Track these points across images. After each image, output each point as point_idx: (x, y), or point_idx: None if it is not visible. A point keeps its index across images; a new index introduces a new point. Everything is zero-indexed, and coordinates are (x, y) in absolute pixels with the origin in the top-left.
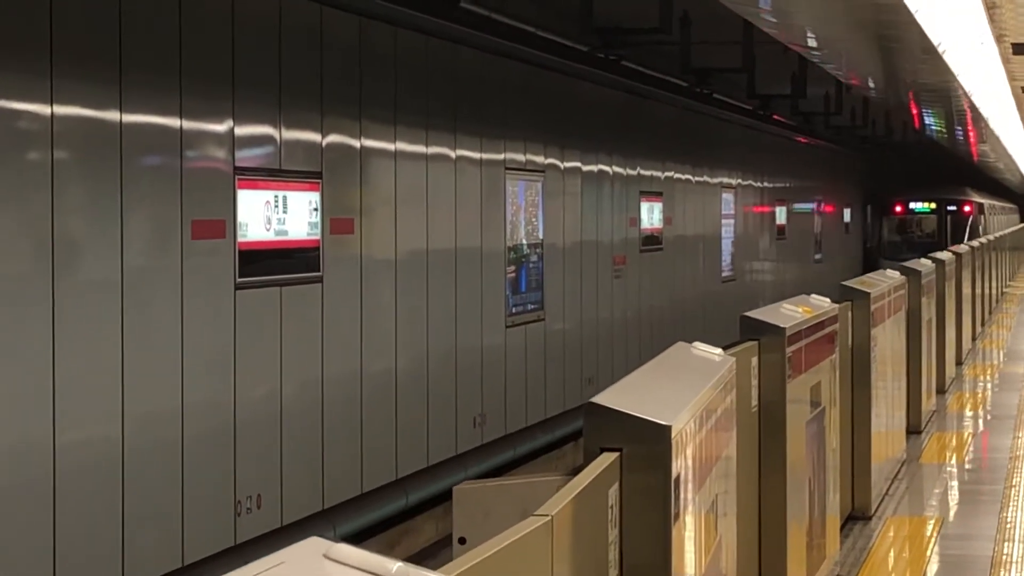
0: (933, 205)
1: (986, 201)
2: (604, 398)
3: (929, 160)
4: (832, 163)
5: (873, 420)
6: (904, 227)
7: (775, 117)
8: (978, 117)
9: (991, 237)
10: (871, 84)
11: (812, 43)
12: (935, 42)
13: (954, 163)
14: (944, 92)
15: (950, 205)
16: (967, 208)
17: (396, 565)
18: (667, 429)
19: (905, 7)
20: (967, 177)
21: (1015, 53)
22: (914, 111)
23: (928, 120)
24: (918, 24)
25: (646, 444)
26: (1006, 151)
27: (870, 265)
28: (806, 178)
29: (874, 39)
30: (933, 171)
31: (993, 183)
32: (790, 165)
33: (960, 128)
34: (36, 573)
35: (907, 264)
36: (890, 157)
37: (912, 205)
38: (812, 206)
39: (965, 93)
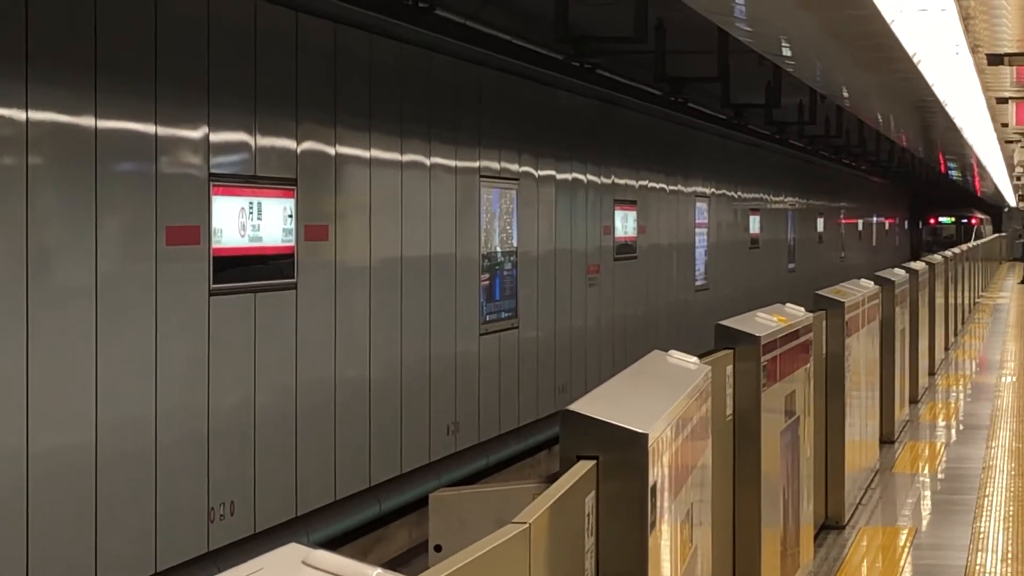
0: (952, 219)
1: (983, 216)
2: (581, 406)
3: (947, 188)
4: (894, 193)
5: (847, 429)
6: (935, 232)
7: (844, 161)
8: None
9: (964, 247)
10: (845, 93)
11: (787, 52)
12: (910, 51)
13: (953, 185)
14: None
15: (963, 219)
16: (973, 220)
17: (376, 572)
18: (644, 437)
19: (881, 16)
20: (961, 196)
21: (990, 64)
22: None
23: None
24: (895, 36)
25: (623, 452)
26: (986, 171)
27: (915, 255)
28: (865, 202)
29: (848, 47)
30: (947, 193)
31: (975, 198)
32: (862, 196)
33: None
34: None
35: (880, 274)
36: (927, 189)
37: (940, 219)
38: (885, 220)
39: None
